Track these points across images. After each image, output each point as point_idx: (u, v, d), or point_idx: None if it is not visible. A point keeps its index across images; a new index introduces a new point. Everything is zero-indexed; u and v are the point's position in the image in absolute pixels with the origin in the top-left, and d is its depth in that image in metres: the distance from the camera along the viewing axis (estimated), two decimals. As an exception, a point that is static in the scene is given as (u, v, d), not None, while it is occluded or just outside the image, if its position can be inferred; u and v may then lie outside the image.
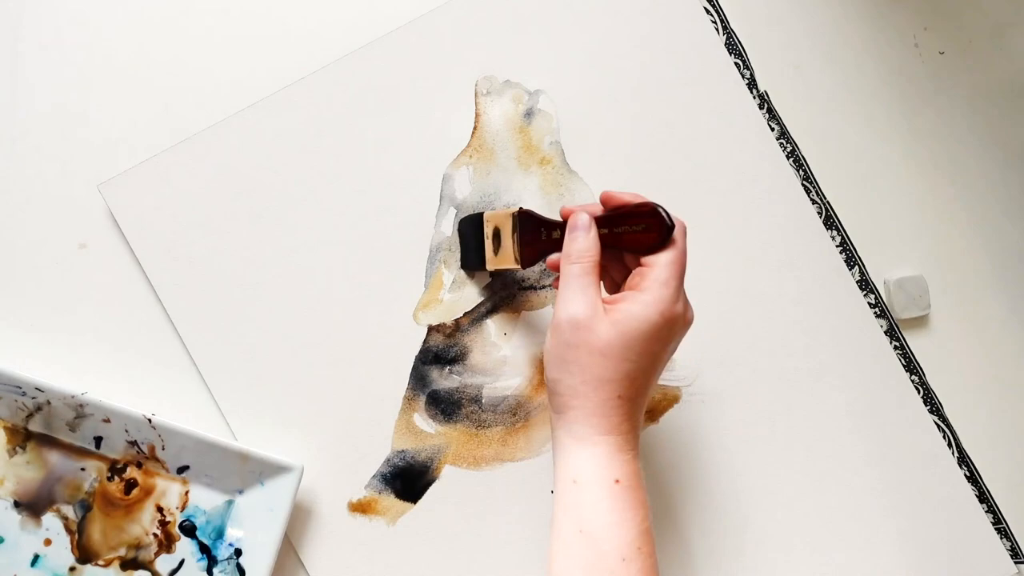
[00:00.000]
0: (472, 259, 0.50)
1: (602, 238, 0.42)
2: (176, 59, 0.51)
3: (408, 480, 0.50)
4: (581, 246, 0.42)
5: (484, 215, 0.48)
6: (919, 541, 0.53)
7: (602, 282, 0.44)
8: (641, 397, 0.41)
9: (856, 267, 0.53)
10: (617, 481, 0.40)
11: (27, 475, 0.48)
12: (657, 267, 0.41)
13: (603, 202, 0.44)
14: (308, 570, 0.50)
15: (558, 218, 0.45)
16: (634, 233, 0.42)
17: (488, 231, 0.48)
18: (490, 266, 0.48)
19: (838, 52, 0.55)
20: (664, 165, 0.52)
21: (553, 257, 0.44)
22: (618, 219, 0.42)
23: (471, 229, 0.50)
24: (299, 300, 0.50)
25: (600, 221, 0.43)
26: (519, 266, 0.46)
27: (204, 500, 0.49)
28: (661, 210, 0.41)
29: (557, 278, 0.43)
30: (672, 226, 0.41)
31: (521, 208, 0.46)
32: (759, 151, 0.53)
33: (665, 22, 0.53)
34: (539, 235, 0.45)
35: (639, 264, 0.42)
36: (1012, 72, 0.56)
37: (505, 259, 0.47)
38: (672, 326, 0.41)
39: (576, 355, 0.40)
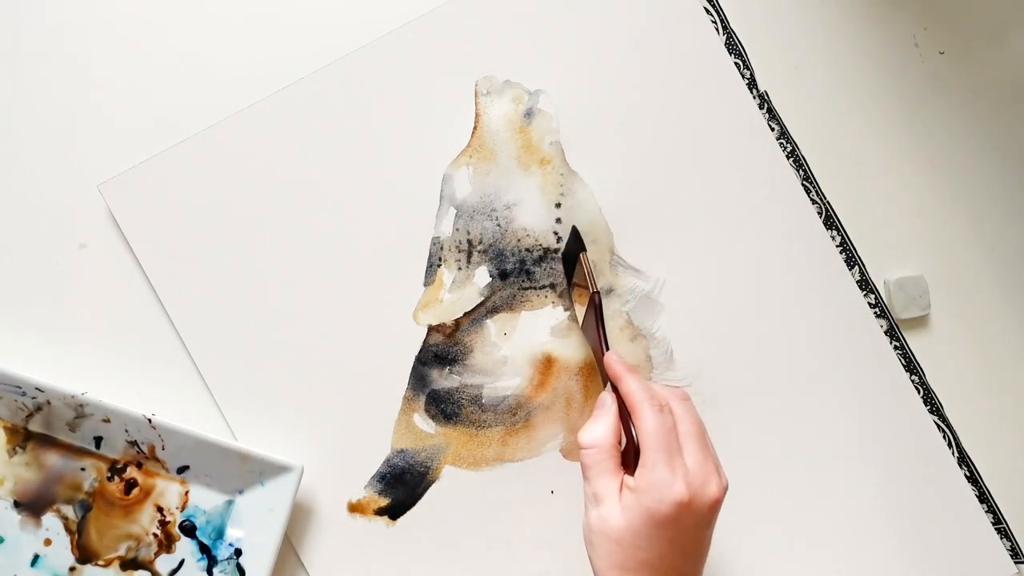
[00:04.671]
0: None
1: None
2: (176, 59, 0.51)
3: (408, 481, 0.50)
4: (594, 434, 0.43)
5: (582, 258, 0.50)
6: (919, 541, 0.53)
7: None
8: None
9: (856, 267, 0.53)
10: None
11: (27, 475, 0.48)
12: (642, 449, 0.41)
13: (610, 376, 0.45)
14: (308, 570, 0.50)
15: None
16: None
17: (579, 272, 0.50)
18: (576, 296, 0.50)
19: (838, 52, 0.55)
20: (664, 165, 0.52)
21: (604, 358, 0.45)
22: None
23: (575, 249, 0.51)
24: (299, 300, 0.50)
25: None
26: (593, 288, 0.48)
27: (204, 500, 0.49)
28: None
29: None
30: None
31: (598, 296, 0.47)
32: (759, 151, 0.53)
33: (665, 22, 0.53)
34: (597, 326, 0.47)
35: None
36: (1012, 72, 0.56)
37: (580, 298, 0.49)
38: (679, 511, 0.39)
39: (597, 539, 0.41)
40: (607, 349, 0.46)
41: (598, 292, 0.47)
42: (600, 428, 0.43)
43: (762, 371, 0.52)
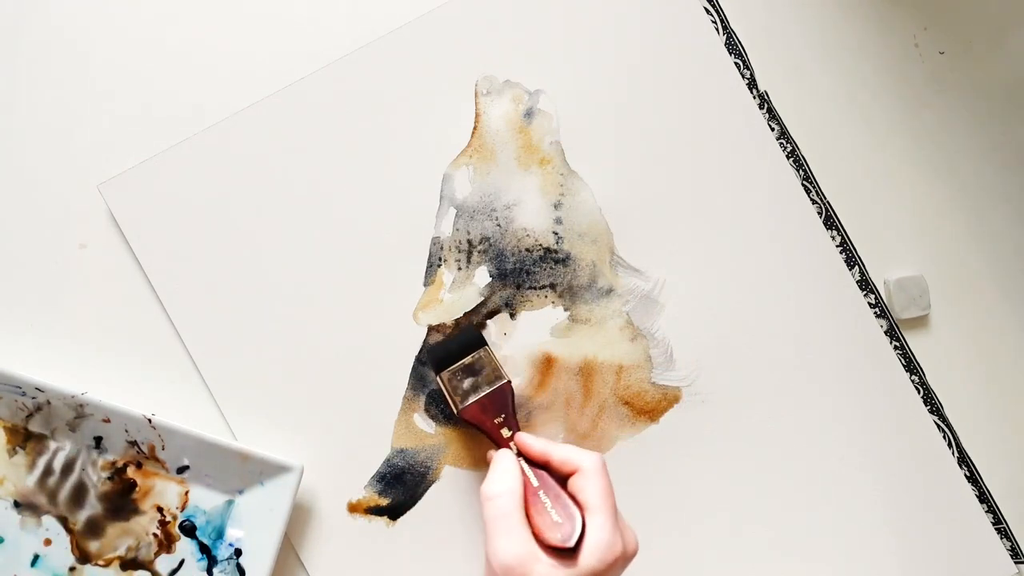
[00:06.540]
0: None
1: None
2: (176, 59, 0.51)
3: (408, 481, 0.50)
4: (503, 485, 0.41)
5: (487, 348, 0.49)
6: (919, 541, 0.53)
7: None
8: None
9: (856, 267, 0.53)
10: None
11: (27, 475, 0.48)
12: (590, 512, 0.39)
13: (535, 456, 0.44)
14: (308, 570, 0.50)
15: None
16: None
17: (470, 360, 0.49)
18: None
19: (838, 52, 0.55)
20: (664, 165, 0.52)
21: (490, 453, 0.46)
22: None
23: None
24: (299, 300, 0.50)
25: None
26: (454, 409, 0.48)
27: (204, 500, 0.49)
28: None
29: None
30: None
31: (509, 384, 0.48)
32: (759, 151, 0.53)
33: (665, 22, 0.53)
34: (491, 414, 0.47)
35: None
36: (1012, 72, 0.56)
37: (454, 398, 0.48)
38: (616, 569, 0.39)
39: None
40: (518, 430, 0.46)
41: (510, 380, 0.48)
42: (508, 479, 0.41)
43: (762, 371, 0.52)
